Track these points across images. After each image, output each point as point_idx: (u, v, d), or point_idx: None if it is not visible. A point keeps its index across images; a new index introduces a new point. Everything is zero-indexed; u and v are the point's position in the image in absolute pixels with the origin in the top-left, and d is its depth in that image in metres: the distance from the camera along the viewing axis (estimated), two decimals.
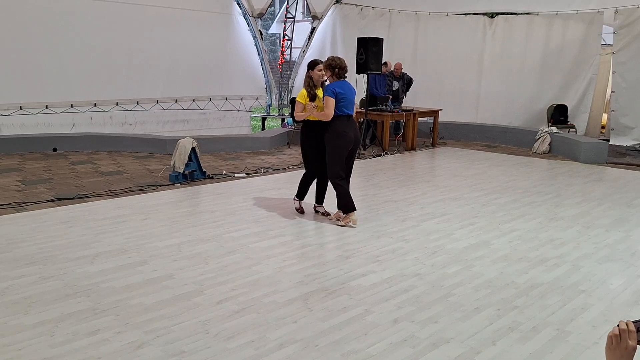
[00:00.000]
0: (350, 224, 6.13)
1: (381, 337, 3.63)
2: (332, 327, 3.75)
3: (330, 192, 6.36)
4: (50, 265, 4.73)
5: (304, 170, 6.68)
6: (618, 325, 1.70)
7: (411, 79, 13.05)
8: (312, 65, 6.30)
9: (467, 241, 5.71)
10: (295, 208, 6.70)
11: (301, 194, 6.68)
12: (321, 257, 5.17)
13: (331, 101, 5.95)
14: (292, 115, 12.41)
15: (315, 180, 6.59)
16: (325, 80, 6.28)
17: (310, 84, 6.26)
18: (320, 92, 6.30)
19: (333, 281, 4.56)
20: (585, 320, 3.94)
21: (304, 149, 6.46)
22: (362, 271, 4.80)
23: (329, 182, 6.37)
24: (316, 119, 6.16)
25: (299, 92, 6.35)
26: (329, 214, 6.49)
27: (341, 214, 6.23)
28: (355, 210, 6.16)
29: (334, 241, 5.67)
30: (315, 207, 6.72)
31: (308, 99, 6.23)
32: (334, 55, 6.26)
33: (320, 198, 6.67)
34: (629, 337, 1.67)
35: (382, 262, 5.03)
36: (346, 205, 6.13)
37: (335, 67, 6.05)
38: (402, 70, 12.79)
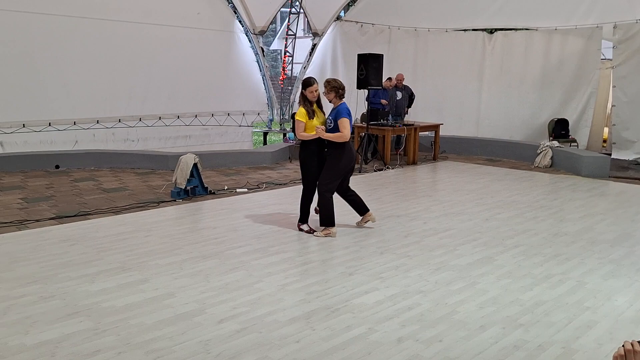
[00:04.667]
0: (330, 235, 6.33)
1: (385, 356, 3.59)
2: (335, 346, 3.71)
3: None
4: (52, 284, 4.71)
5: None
6: (623, 346, 1.67)
7: (413, 93, 13.09)
8: (305, 85, 6.32)
9: (470, 257, 5.68)
10: (306, 231, 6.50)
11: (305, 217, 6.60)
12: (323, 274, 5.13)
13: (348, 122, 6.20)
14: (293, 130, 12.47)
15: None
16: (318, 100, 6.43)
17: (306, 103, 6.30)
18: (317, 108, 6.39)
19: (336, 299, 4.53)
20: (591, 338, 3.90)
21: (304, 166, 6.46)
22: (365, 288, 4.77)
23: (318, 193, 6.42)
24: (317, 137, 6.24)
25: (298, 110, 6.38)
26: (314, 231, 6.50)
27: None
28: (334, 226, 6.39)
29: (336, 257, 5.64)
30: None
31: (307, 117, 6.26)
32: (332, 77, 6.54)
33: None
34: (634, 358, 1.64)
35: (386, 279, 5.00)
36: (329, 219, 6.34)
37: (339, 88, 6.32)
38: (404, 83, 12.82)
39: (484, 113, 14.56)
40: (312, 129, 6.21)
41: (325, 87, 6.35)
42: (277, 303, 4.42)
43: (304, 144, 6.40)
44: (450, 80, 14.77)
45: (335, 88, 6.29)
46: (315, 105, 6.37)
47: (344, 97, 6.41)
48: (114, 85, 11.72)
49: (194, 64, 12.99)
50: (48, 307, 4.22)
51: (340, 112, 6.24)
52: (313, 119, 6.28)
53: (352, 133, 6.55)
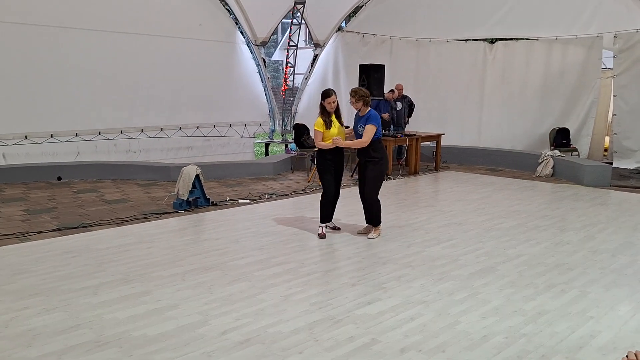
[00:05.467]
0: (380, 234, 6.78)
1: None
2: (338, 357, 3.71)
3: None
4: (54, 296, 4.71)
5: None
6: (627, 356, 1.67)
7: (413, 102, 13.12)
8: (324, 96, 6.54)
9: (473, 267, 5.68)
10: (319, 234, 6.74)
11: (325, 218, 6.84)
12: (326, 285, 5.13)
13: (374, 131, 6.48)
14: (295, 141, 12.47)
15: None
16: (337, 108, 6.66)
17: (325, 114, 6.53)
18: (334, 118, 6.59)
19: (339, 309, 4.52)
20: (594, 348, 3.89)
21: (321, 174, 6.76)
22: (368, 299, 4.77)
23: (364, 202, 6.81)
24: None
25: (316, 120, 6.60)
26: (338, 228, 7.04)
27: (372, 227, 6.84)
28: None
29: (339, 268, 5.64)
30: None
31: (325, 127, 6.50)
32: (358, 87, 6.85)
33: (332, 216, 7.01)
34: None
35: (388, 290, 5.00)
36: (380, 219, 6.81)
37: (366, 96, 6.59)
38: (404, 93, 12.85)
39: (485, 123, 14.59)
40: (329, 138, 6.45)
41: (352, 96, 6.58)
42: (280, 314, 4.41)
43: (321, 153, 6.66)
44: (452, 90, 14.82)
45: (363, 97, 6.54)
46: (333, 116, 6.58)
47: (370, 105, 6.66)
48: (115, 96, 11.75)
49: (196, 75, 13.04)
50: (50, 320, 4.22)
51: (371, 118, 6.52)
52: (330, 129, 6.50)
53: None
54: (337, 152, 6.63)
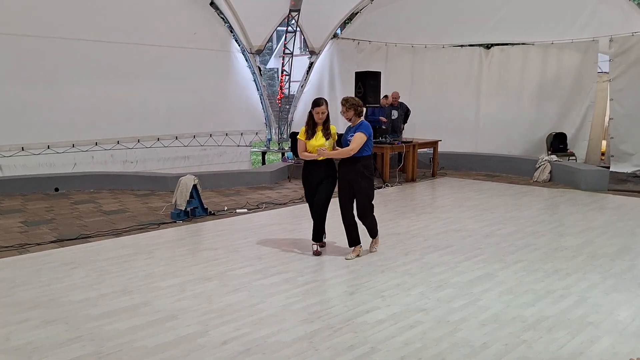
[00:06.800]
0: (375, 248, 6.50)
1: None
2: None
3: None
4: (53, 308, 4.70)
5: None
6: None
7: (408, 109, 13.17)
8: (314, 104, 6.16)
9: (471, 274, 5.68)
10: (314, 251, 6.37)
11: (315, 236, 6.41)
12: (325, 294, 5.13)
13: (363, 140, 6.02)
14: (291, 149, 12.47)
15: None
16: (326, 120, 6.21)
17: (309, 123, 6.21)
18: (320, 130, 6.16)
19: (338, 318, 4.52)
20: (594, 354, 3.90)
21: (304, 186, 6.46)
22: (367, 307, 4.77)
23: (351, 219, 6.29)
24: (323, 158, 6.13)
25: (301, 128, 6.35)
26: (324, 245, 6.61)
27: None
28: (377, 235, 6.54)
29: (337, 277, 5.63)
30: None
31: (305, 137, 6.19)
32: (349, 96, 6.33)
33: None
34: None
35: (387, 298, 5.00)
36: (376, 231, 6.50)
37: (358, 106, 6.14)
38: (400, 100, 12.89)
39: (482, 128, 14.61)
40: (312, 148, 6.14)
41: (343, 105, 6.15)
42: (279, 323, 4.41)
43: (305, 164, 6.38)
44: (448, 96, 14.85)
45: (354, 105, 6.11)
46: (321, 127, 6.16)
47: (362, 115, 6.23)
48: (111, 107, 11.74)
49: (191, 84, 13.04)
50: (50, 332, 4.21)
51: (362, 127, 6.08)
52: (311, 139, 6.17)
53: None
54: (325, 164, 6.22)
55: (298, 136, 6.28)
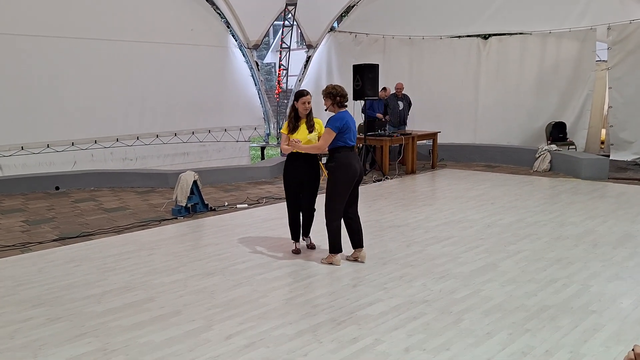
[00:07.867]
0: (333, 263, 5.75)
1: None
2: (343, 358, 3.72)
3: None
4: (58, 306, 4.71)
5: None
6: (633, 349, 1.68)
7: (411, 101, 13.18)
8: (297, 96, 5.91)
9: (473, 264, 5.69)
10: (292, 250, 6.20)
11: (293, 235, 6.25)
12: (328, 287, 5.14)
13: (331, 136, 5.53)
14: None
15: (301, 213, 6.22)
16: (309, 111, 5.97)
17: (292, 115, 5.98)
18: (303, 124, 5.94)
19: (341, 311, 4.53)
20: (599, 342, 3.91)
21: (284, 181, 6.18)
22: (370, 300, 4.78)
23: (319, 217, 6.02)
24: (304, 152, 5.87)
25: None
26: (314, 246, 6.34)
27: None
28: (341, 252, 5.80)
29: (340, 269, 5.64)
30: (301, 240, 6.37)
31: (288, 130, 5.96)
32: (334, 84, 5.89)
33: (306, 230, 6.34)
34: None
35: (390, 290, 5.01)
36: (335, 245, 5.75)
37: (337, 95, 5.59)
38: (403, 92, 12.92)
39: (481, 119, 14.62)
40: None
41: (323, 95, 5.72)
42: (283, 317, 4.42)
43: (287, 158, 6.10)
44: (447, 88, 14.84)
45: (330, 94, 5.60)
46: (304, 120, 5.93)
47: (344, 106, 5.68)
48: (110, 104, 11.74)
49: (189, 80, 13.03)
50: (55, 330, 4.22)
51: (331, 120, 5.59)
52: (295, 132, 5.92)
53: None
54: (306, 159, 5.96)
55: (281, 130, 6.09)
